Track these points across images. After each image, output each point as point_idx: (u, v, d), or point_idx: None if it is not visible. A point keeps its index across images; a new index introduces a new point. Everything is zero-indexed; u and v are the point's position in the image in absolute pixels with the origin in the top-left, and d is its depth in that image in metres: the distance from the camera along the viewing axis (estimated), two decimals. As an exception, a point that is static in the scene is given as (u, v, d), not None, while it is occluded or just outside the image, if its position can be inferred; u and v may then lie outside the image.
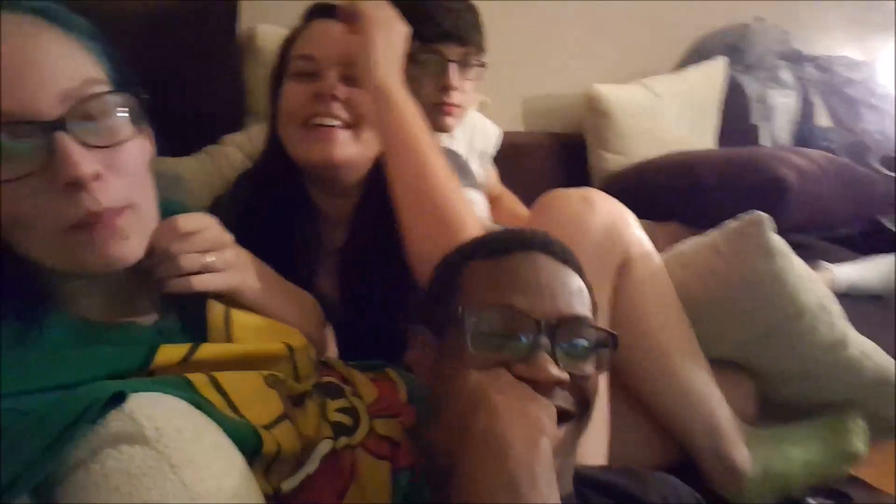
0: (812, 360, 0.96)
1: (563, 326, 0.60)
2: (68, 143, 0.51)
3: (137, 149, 0.58)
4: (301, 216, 0.96)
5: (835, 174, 1.54)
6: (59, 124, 0.51)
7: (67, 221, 0.52)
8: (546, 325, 0.59)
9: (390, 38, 0.85)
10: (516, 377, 0.57)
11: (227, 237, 0.69)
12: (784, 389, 1.01)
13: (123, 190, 0.55)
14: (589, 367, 0.62)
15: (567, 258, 0.66)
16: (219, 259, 0.66)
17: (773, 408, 1.01)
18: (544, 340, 0.58)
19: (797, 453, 0.92)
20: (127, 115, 0.56)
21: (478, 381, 0.56)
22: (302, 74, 0.88)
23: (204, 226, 0.65)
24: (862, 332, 0.99)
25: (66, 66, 0.53)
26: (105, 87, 0.55)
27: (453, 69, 1.17)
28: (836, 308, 0.96)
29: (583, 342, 0.61)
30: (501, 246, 0.66)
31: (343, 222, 0.97)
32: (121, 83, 0.57)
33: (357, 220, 0.96)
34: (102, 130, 0.54)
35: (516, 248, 0.65)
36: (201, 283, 0.64)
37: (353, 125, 0.87)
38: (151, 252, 0.60)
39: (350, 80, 0.87)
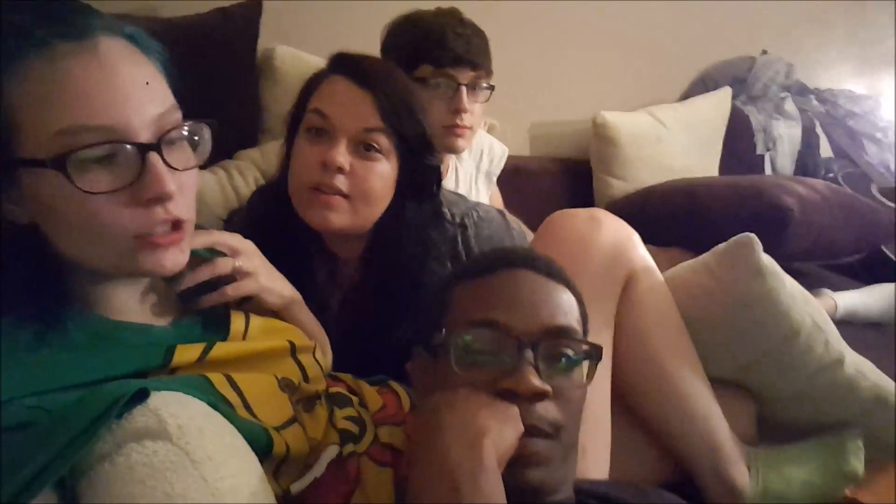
0: (809, 380, 0.97)
1: (546, 339, 0.62)
2: (160, 164, 0.56)
3: (195, 172, 0.63)
4: (312, 256, 0.99)
5: (837, 204, 1.56)
6: (154, 147, 0.56)
7: (139, 229, 0.57)
8: (528, 338, 0.61)
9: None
10: (501, 391, 0.59)
11: (250, 244, 0.74)
12: (783, 409, 1.02)
13: (184, 206, 0.60)
14: (574, 379, 0.64)
15: (552, 272, 0.68)
16: (247, 264, 0.72)
17: (773, 428, 1.02)
18: (528, 354, 0.60)
19: (796, 473, 0.92)
20: (191, 140, 0.61)
21: (434, 401, 0.59)
22: (314, 130, 0.91)
23: (225, 236, 0.71)
24: (863, 359, 0.99)
25: (157, 92, 0.58)
26: (180, 113, 0.60)
27: (464, 92, 1.21)
28: (831, 328, 0.97)
29: (568, 354, 0.63)
30: (487, 265, 0.68)
31: (354, 260, 0.99)
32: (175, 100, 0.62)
33: (369, 259, 0.98)
34: (179, 155, 0.59)
35: (501, 266, 0.67)
36: (235, 289, 0.71)
37: (354, 196, 0.90)
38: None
39: (360, 145, 0.90)
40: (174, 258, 0.60)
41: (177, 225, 0.59)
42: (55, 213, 0.56)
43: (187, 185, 0.60)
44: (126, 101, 0.55)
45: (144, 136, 0.56)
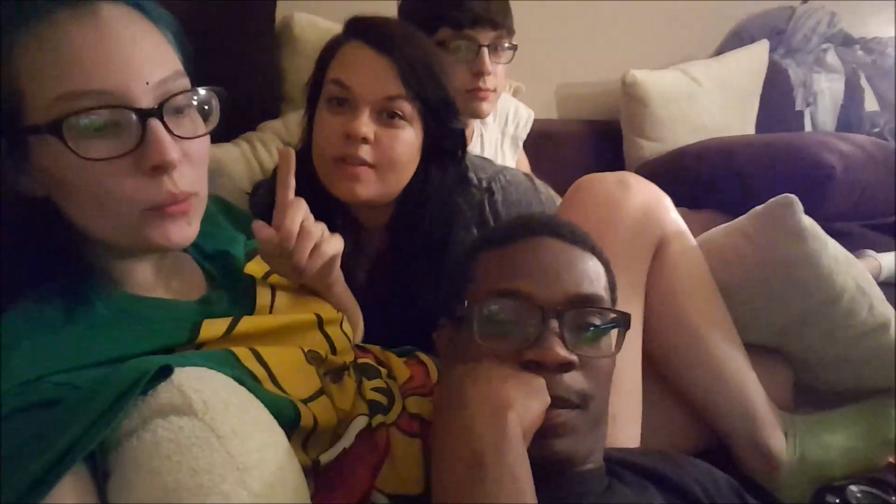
0: (852, 345, 0.94)
1: (571, 308, 0.60)
2: (161, 130, 0.55)
3: (206, 141, 0.61)
4: (337, 227, 0.98)
5: (882, 160, 1.49)
6: (155, 112, 0.55)
7: (147, 202, 0.56)
8: (552, 307, 0.59)
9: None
10: (526, 362, 0.58)
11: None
12: (823, 375, 0.99)
13: (193, 178, 0.59)
14: (602, 348, 0.62)
15: (577, 239, 0.66)
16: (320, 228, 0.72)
17: (811, 393, 1.00)
18: (552, 323, 0.59)
19: (836, 440, 0.90)
20: (202, 109, 0.60)
21: (458, 372, 0.58)
22: (335, 100, 0.89)
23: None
24: (908, 322, 0.96)
25: (160, 57, 0.57)
26: (188, 81, 0.59)
27: (486, 54, 1.18)
28: (876, 291, 0.94)
29: (594, 322, 0.62)
30: (509, 233, 0.67)
31: (380, 229, 0.99)
32: (188, 72, 0.61)
33: (395, 228, 0.97)
34: (185, 123, 0.58)
35: (523, 234, 0.66)
36: (323, 254, 0.70)
37: (380, 165, 0.89)
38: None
39: (383, 113, 0.88)
40: (181, 231, 0.59)
41: (183, 196, 0.58)
42: (61, 184, 0.56)
43: (196, 154, 0.59)
44: (124, 66, 0.54)
45: (145, 102, 0.55)
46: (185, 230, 0.59)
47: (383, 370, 0.75)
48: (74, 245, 0.59)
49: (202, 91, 0.60)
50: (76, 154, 0.52)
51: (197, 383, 0.49)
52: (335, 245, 0.72)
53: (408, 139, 0.89)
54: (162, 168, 0.55)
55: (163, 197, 0.56)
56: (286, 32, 1.46)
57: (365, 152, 0.87)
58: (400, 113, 0.88)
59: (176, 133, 0.56)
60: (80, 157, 0.53)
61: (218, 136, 1.31)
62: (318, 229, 0.70)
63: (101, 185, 0.54)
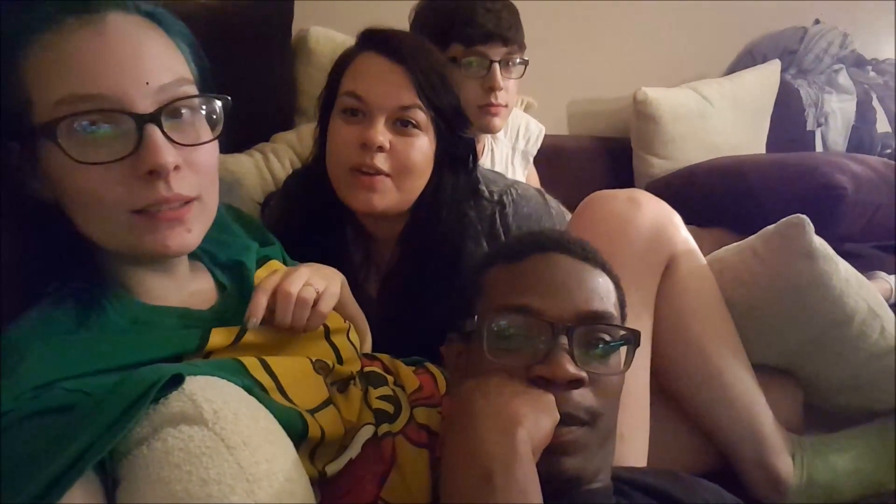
0: (862, 367, 0.93)
1: (581, 325, 0.60)
2: (158, 136, 0.55)
3: (212, 150, 0.61)
4: (348, 239, 0.99)
5: (894, 181, 1.49)
6: (152, 117, 0.55)
7: (136, 204, 0.56)
8: (562, 324, 0.59)
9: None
10: (536, 378, 0.58)
11: (302, 267, 0.72)
12: (833, 397, 0.98)
13: (194, 184, 0.59)
14: (611, 365, 0.62)
15: (587, 255, 0.66)
16: (317, 283, 0.70)
17: (820, 415, 0.99)
18: (562, 340, 0.59)
19: (843, 462, 0.89)
20: (210, 118, 0.60)
21: (468, 387, 0.58)
22: (350, 111, 0.90)
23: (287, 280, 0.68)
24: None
25: (164, 63, 0.58)
26: (194, 88, 0.59)
27: (497, 69, 1.18)
28: (888, 313, 0.93)
29: (604, 339, 0.62)
30: (519, 249, 0.67)
31: (391, 241, 0.99)
32: (205, 86, 0.62)
33: (406, 240, 0.97)
34: (187, 130, 0.58)
35: (534, 250, 0.66)
36: (326, 308, 0.69)
37: (397, 174, 0.89)
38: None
39: (397, 121, 0.89)
40: (179, 238, 0.58)
41: (176, 198, 0.57)
42: (63, 189, 0.56)
43: (199, 161, 0.59)
44: (123, 71, 0.54)
45: (143, 107, 0.55)
46: (185, 237, 0.59)
47: (389, 377, 0.75)
48: (86, 251, 0.60)
49: (206, 98, 0.60)
50: (69, 157, 0.53)
51: (208, 392, 0.50)
52: (332, 297, 0.71)
53: (422, 147, 0.90)
54: (157, 173, 0.55)
55: (153, 198, 0.56)
56: (302, 45, 1.48)
57: (380, 161, 0.88)
58: (414, 121, 0.89)
59: (175, 139, 0.56)
60: (73, 161, 0.53)
61: (232, 147, 1.32)
62: (311, 292, 0.68)
63: (94, 189, 0.55)
